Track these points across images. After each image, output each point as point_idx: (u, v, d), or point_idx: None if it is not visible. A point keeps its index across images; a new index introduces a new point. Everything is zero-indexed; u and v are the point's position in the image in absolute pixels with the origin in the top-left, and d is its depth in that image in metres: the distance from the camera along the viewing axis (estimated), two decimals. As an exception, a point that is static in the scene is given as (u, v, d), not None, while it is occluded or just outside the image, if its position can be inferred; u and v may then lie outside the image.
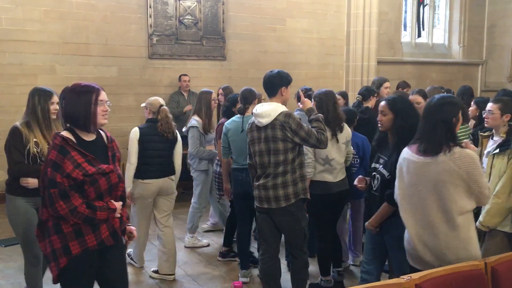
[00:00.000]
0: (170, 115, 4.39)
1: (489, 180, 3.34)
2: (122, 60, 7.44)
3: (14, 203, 3.44)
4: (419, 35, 10.60)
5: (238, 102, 4.60)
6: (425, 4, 10.55)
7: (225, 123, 4.50)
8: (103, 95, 2.67)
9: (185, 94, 7.47)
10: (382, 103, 3.18)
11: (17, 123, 3.42)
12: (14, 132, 3.37)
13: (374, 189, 3.23)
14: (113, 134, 8.16)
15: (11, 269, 4.57)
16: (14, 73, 6.78)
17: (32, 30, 6.83)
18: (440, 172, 2.53)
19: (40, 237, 2.65)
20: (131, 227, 2.92)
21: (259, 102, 4.22)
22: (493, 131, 3.56)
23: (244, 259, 4.44)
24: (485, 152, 3.51)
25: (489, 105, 3.55)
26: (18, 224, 3.47)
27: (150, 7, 7.54)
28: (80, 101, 2.59)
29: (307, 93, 4.68)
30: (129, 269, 4.27)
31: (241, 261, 4.46)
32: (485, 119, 3.56)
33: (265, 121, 3.44)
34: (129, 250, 4.67)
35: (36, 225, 2.70)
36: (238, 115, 4.41)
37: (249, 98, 4.37)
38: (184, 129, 5.19)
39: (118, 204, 2.67)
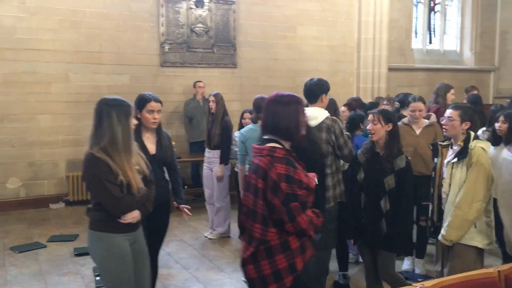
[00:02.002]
0: None
1: (449, 191, 3.28)
2: (134, 68, 7.52)
3: (111, 242, 2.80)
4: (430, 42, 10.57)
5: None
6: (436, 10, 10.52)
7: (242, 132, 4.61)
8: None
9: (200, 101, 7.53)
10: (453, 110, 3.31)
11: (92, 150, 2.72)
12: (97, 162, 2.70)
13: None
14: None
15: (25, 275, 4.61)
16: (28, 81, 6.88)
17: (46, 39, 6.94)
18: None
19: (250, 261, 2.49)
20: None
21: None
22: (452, 140, 3.39)
23: None
24: (445, 162, 3.37)
25: (449, 112, 3.36)
26: (113, 268, 2.81)
27: (162, 15, 7.62)
28: (289, 111, 2.50)
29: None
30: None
31: None
32: (444, 127, 3.37)
33: (313, 122, 3.57)
34: None
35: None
36: (252, 124, 4.47)
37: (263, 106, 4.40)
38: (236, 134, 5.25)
39: None
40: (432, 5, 10.55)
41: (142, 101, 3.32)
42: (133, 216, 2.80)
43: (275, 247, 2.42)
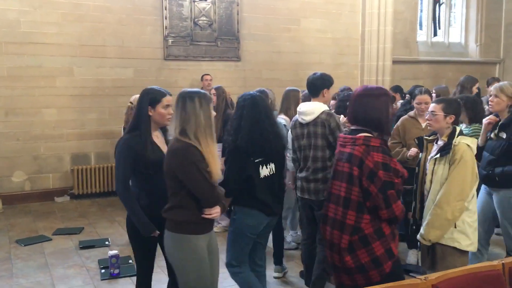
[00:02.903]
0: None
1: (430, 187, 3.15)
2: (138, 61, 7.52)
3: (194, 245, 2.70)
4: (435, 34, 10.51)
5: None
6: (441, 2, 10.45)
7: None
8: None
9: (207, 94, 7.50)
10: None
11: (183, 138, 2.61)
12: (193, 150, 2.58)
13: None
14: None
15: (30, 268, 4.64)
16: (33, 75, 6.90)
17: (50, 32, 6.95)
18: None
19: (346, 252, 2.57)
20: None
21: (272, 104, 4.24)
22: (438, 135, 3.27)
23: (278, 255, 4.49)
24: (429, 157, 3.26)
25: (432, 106, 3.28)
26: (195, 270, 2.72)
27: (165, 9, 7.60)
28: (381, 104, 2.62)
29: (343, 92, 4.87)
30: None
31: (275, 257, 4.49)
32: (428, 122, 3.29)
33: (308, 118, 3.67)
34: None
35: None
36: None
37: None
38: None
39: None
40: (437, -3, 10.49)
41: (158, 96, 2.97)
42: (217, 211, 2.71)
43: (370, 235, 2.54)
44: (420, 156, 3.42)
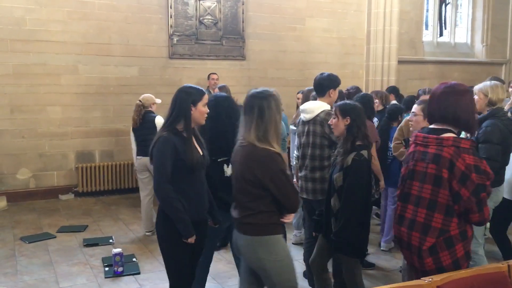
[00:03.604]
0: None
1: None
2: (143, 60, 7.53)
3: (282, 244, 2.72)
4: (441, 34, 10.46)
5: None
6: (447, 2, 10.40)
7: None
8: None
9: (213, 92, 7.53)
10: None
11: (265, 146, 2.57)
12: (279, 158, 2.60)
13: None
14: (134, 133, 7.91)
15: (35, 265, 4.65)
16: (38, 72, 6.91)
17: (56, 30, 6.96)
18: None
19: (428, 254, 2.51)
20: None
21: None
22: None
23: None
24: None
25: (414, 107, 3.32)
26: (290, 271, 2.73)
27: (171, 7, 7.60)
28: (467, 101, 2.53)
29: (350, 91, 4.89)
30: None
31: None
32: (410, 122, 3.30)
33: (308, 116, 3.73)
34: None
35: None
36: None
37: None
38: None
39: None
40: (443, -3, 10.44)
41: (199, 94, 2.89)
42: (293, 216, 2.78)
43: (455, 237, 2.48)
44: None
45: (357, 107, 3.15)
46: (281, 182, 2.58)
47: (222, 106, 3.32)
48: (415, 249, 2.56)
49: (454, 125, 2.52)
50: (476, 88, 3.68)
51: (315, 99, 3.93)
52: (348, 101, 3.34)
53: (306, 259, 4.00)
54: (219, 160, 3.26)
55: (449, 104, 2.49)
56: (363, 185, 3.02)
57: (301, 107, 3.88)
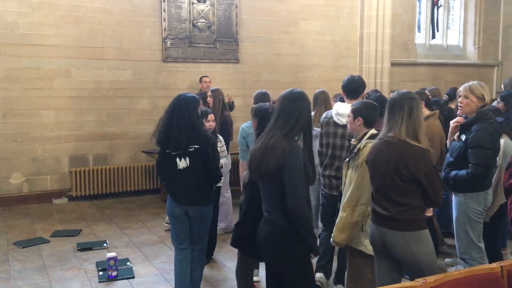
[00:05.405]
0: None
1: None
2: (137, 63, 7.52)
3: (429, 238, 2.87)
4: (433, 37, 10.53)
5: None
6: (439, 5, 10.47)
7: (244, 127, 4.56)
8: None
9: None
10: None
11: (409, 140, 2.75)
12: (429, 155, 2.80)
13: None
14: (128, 136, 8.22)
15: (28, 270, 4.63)
16: (30, 76, 6.89)
17: (49, 34, 6.94)
18: None
19: None
20: None
21: (271, 106, 4.21)
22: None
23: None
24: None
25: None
26: (435, 259, 2.92)
27: (164, 11, 7.60)
28: None
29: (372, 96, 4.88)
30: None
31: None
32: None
33: (345, 120, 3.67)
34: None
35: None
36: None
37: (264, 101, 4.41)
38: None
39: None
40: (435, -1, 10.51)
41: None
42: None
43: None
44: None
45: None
46: (433, 177, 2.76)
47: (178, 105, 3.54)
48: None
49: None
50: (465, 90, 3.60)
51: (342, 101, 3.93)
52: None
53: (324, 248, 4.01)
54: (172, 153, 3.51)
55: None
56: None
57: (337, 110, 3.83)
